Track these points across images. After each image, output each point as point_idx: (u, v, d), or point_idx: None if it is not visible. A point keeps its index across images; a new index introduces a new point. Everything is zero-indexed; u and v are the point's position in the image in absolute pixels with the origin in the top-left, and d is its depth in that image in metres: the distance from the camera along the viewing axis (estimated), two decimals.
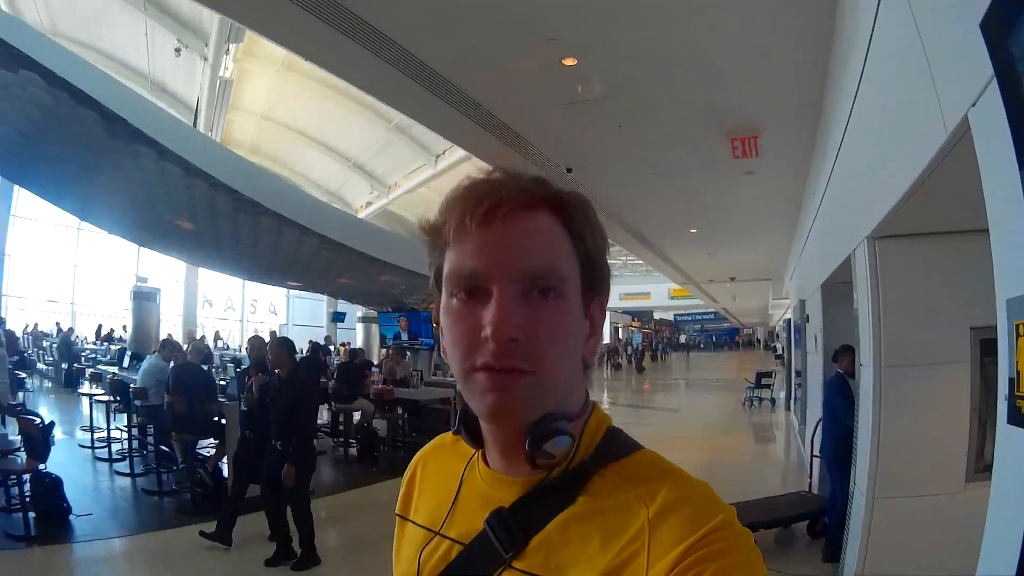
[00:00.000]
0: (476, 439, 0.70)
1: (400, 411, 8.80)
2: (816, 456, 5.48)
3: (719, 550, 0.54)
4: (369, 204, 23.58)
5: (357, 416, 8.28)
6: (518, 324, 0.58)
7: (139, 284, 16.30)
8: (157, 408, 6.67)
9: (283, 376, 4.44)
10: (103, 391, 8.79)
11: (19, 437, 5.42)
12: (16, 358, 13.27)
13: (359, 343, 14.64)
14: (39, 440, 4.97)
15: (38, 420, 5.28)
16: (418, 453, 0.84)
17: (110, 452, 7.26)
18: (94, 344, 16.92)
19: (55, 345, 15.05)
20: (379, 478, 7.26)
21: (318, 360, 9.13)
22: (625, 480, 0.62)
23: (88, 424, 8.17)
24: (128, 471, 6.66)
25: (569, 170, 7.09)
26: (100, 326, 18.22)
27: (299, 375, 4.51)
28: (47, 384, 14.67)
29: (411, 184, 21.47)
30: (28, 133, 7.94)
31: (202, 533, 4.70)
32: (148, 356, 7.55)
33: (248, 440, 4.90)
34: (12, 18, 11.61)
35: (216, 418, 6.32)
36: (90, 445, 7.62)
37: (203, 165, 8.15)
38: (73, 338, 15.25)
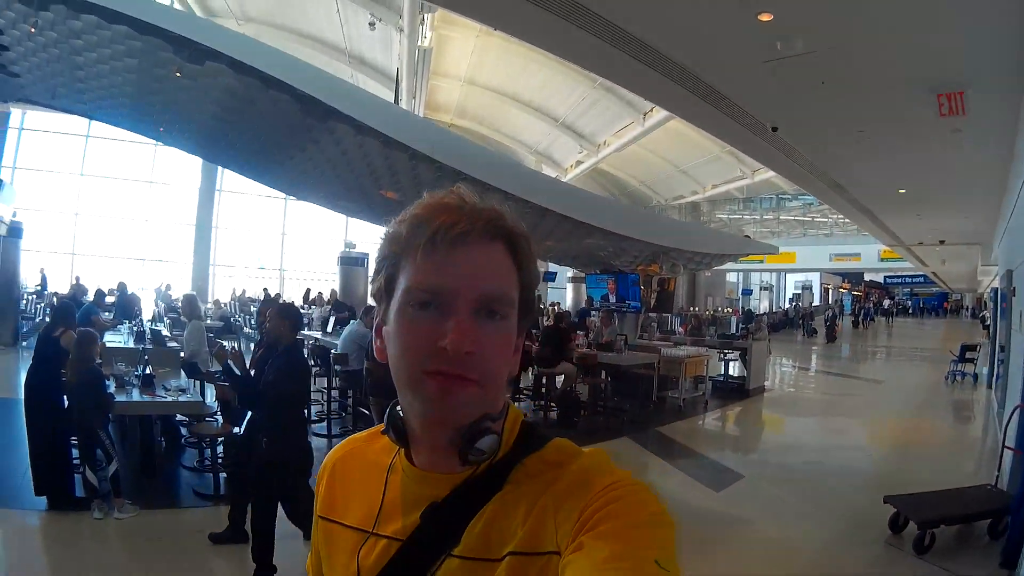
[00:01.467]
0: (403, 439, 0.74)
1: (604, 375, 8.65)
2: (1008, 448, 4.88)
3: (612, 498, 0.62)
4: (579, 163, 23.76)
5: (560, 380, 8.23)
6: (474, 340, 0.64)
7: (347, 250, 17.26)
8: (356, 373, 6.92)
9: (279, 352, 3.76)
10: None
11: (216, 403, 5.76)
12: (222, 323, 14.90)
13: (568, 304, 14.72)
14: (234, 405, 4.99)
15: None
16: (329, 454, 0.86)
17: (309, 414, 7.41)
18: (302, 308, 18.63)
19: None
20: (578, 442, 7.12)
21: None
22: (543, 465, 0.70)
23: None
24: (326, 432, 6.94)
25: (775, 129, 6.85)
26: (308, 290, 19.46)
27: (297, 352, 3.84)
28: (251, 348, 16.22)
29: (620, 142, 21.32)
30: (221, 117, 8.75)
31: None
32: (351, 322, 7.80)
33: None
34: (190, 15, 12.96)
35: None
36: None
37: (401, 137, 8.38)
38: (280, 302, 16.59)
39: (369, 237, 19.65)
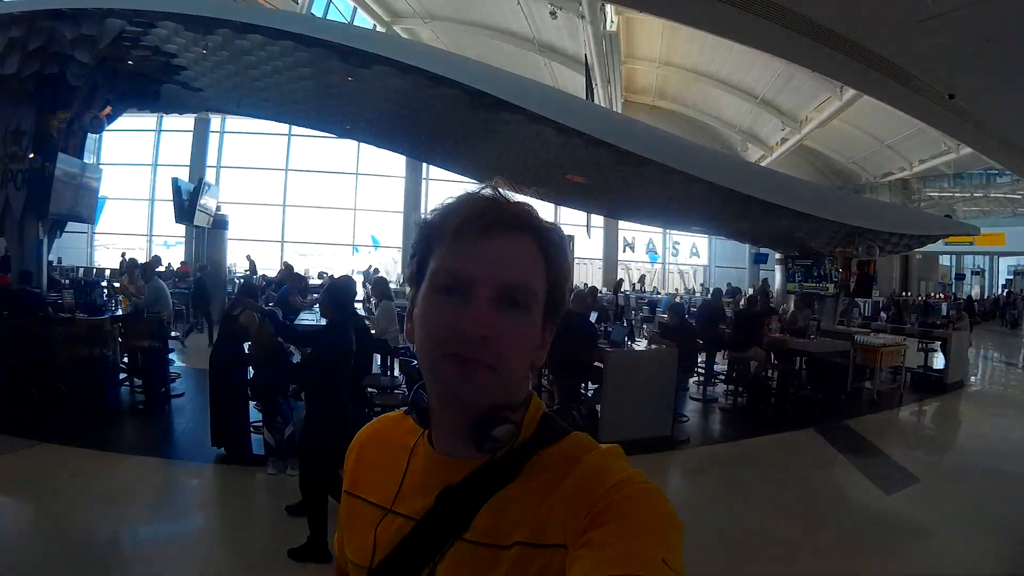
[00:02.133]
0: (424, 420, 0.76)
1: (797, 362, 8.31)
2: None
3: (622, 496, 0.64)
4: (783, 141, 22.86)
5: (754, 366, 8.04)
6: (490, 325, 0.67)
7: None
8: None
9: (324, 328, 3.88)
10: None
11: (403, 376, 6.16)
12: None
13: (777, 285, 14.19)
14: (419, 379, 5.72)
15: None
16: (359, 432, 0.89)
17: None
18: None
19: None
20: (761, 431, 6.96)
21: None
22: (559, 458, 0.71)
23: None
24: None
25: (951, 96, 6.42)
26: None
27: (337, 329, 3.74)
28: None
29: (821, 118, 20.14)
30: (399, 112, 9.20)
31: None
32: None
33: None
34: (348, 25, 13.82)
35: (595, 364, 6.44)
36: None
37: (574, 124, 8.45)
38: None
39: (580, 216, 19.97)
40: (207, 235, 14.54)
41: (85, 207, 9.21)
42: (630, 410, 6.05)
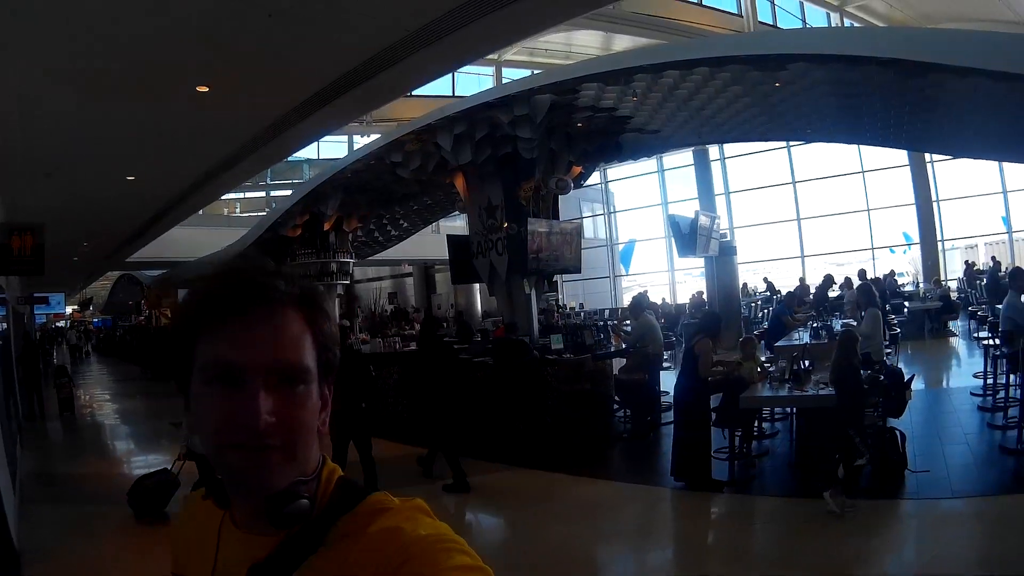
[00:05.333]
0: (223, 502, 0.76)
1: None
2: None
3: (408, 556, 0.62)
4: None
5: None
6: (270, 411, 0.66)
7: None
8: None
9: None
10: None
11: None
12: (940, 303, 13.09)
13: None
14: (895, 394, 5.13)
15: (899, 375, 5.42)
16: (182, 500, 1.29)
17: (993, 402, 6.70)
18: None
19: (985, 283, 13.11)
20: None
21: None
22: (356, 524, 0.70)
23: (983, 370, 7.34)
24: (1001, 424, 6.03)
25: None
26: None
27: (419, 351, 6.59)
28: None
29: None
30: (841, 103, 8.27)
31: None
32: (1009, 292, 6.63)
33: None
34: (743, 36, 11.74)
35: None
36: (980, 393, 7.12)
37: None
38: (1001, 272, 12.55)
39: None
40: (715, 263, 14.81)
41: (569, 259, 10.48)
42: None
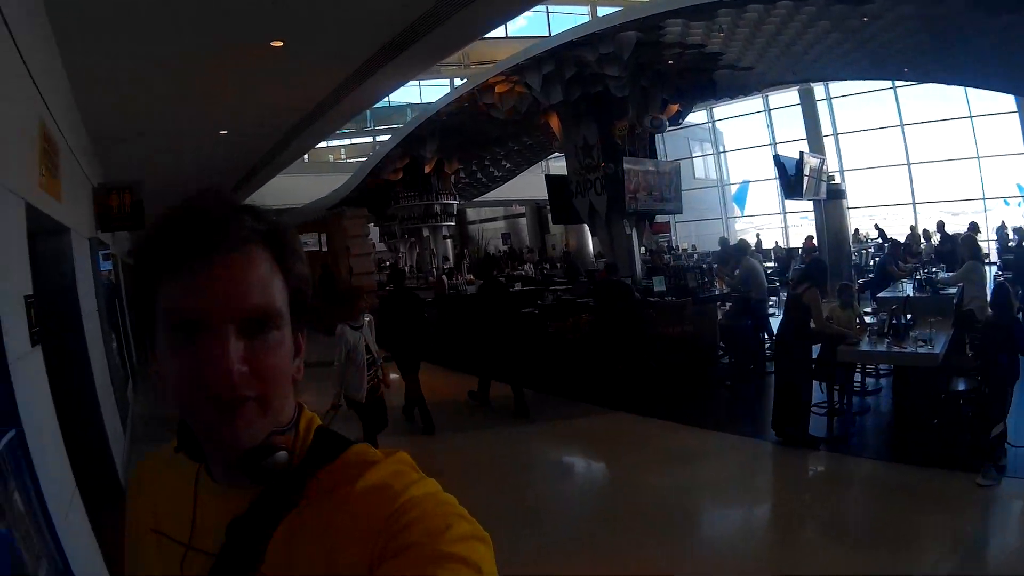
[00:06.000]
0: (197, 454, 0.72)
1: None
2: None
3: (409, 520, 0.60)
4: None
5: None
6: (241, 358, 0.62)
7: None
8: None
9: None
10: None
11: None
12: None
13: None
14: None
15: None
16: (139, 464, 0.85)
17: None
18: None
19: None
20: None
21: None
22: (338, 477, 0.67)
23: None
24: None
25: None
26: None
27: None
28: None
29: None
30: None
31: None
32: None
33: None
34: None
35: None
36: None
37: None
38: None
39: None
40: (823, 207, 14.08)
41: (670, 199, 10.51)
42: None
